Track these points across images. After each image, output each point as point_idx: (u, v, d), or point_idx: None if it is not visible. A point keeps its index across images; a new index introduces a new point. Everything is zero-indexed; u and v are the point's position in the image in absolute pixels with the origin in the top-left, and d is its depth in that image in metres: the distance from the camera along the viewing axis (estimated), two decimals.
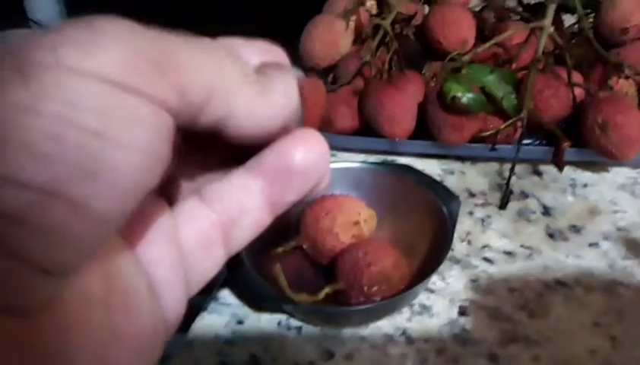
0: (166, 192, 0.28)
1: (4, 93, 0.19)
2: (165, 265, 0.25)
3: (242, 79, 0.24)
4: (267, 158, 0.27)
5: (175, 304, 0.25)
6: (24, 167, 0.19)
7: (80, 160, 0.19)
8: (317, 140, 0.27)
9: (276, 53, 0.28)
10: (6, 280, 0.19)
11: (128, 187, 0.20)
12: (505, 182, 0.73)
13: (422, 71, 0.84)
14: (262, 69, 0.26)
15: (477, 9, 0.91)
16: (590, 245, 0.68)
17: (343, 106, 0.80)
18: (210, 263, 0.27)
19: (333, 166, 0.66)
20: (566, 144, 0.71)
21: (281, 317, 0.60)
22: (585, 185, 0.76)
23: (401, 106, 0.77)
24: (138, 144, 0.20)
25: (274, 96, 0.25)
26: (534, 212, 0.72)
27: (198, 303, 0.61)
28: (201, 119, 0.23)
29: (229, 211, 0.27)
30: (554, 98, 0.75)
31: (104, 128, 0.19)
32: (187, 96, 0.22)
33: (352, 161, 0.72)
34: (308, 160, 0.26)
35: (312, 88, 0.73)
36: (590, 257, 0.66)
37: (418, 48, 0.86)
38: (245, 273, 0.58)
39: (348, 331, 0.59)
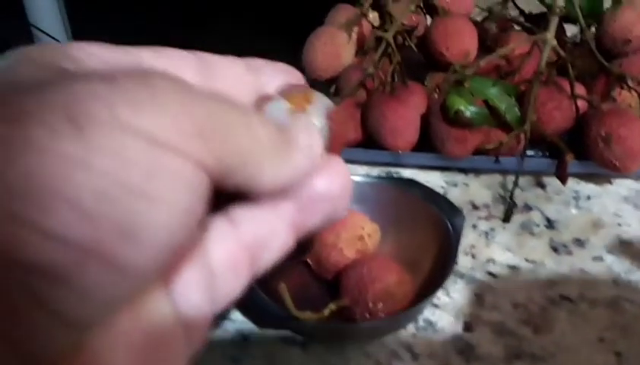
0: None
1: (57, 144, 0.19)
2: (195, 290, 0.25)
3: (272, 146, 0.25)
4: (296, 184, 0.27)
5: (201, 327, 0.26)
6: (67, 223, 0.19)
7: (122, 219, 0.19)
8: (341, 168, 0.28)
9: (295, 76, 0.30)
10: (34, 330, 0.19)
11: (164, 245, 0.21)
12: (509, 194, 0.73)
13: (425, 82, 0.84)
14: (290, 125, 0.27)
15: (479, 19, 0.91)
16: (594, 258, 0.68)
17: (346, 118, 0.80)
18: (236, 285, 0.28)
19: None
20: (569, 156, 0.71)
21: (286, 333, 0.60)
22: (589, 198, 0.76)
23: (404, 118, 0.77)
24: (178, 204, 0.21)
25: (298, 158, 0.26)
26: (538, 225, 0.72)
27: None
28: (229, 181, 0.23)
29: (257, 234, 0.27)
30: (557, 110, 0.75)
31: (148, 188, 0.20)
32: (223, 161, 0.22)
33: (355, 174, 0.72)
34: (332, 187, 0.27)
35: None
36: (594, 271, 0.66)
37: (420, 59, 0.86)
38: (250, 290, 0.58)
39: (353, 347, 0.59)
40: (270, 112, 0.28)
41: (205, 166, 0.21)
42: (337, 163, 0.28)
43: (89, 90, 0.20)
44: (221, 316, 0.62)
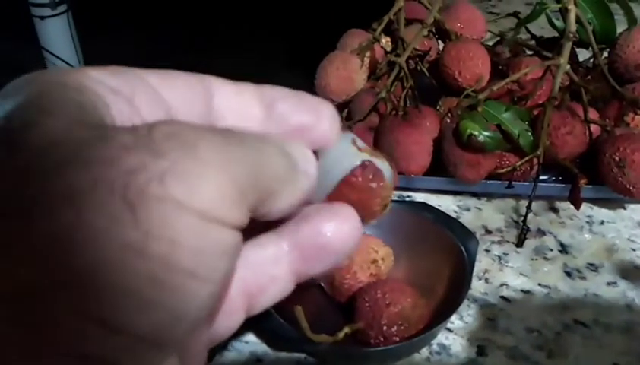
0: None
1: (117, 233, 0.19)
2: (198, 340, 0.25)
3: (286, 175, 0.25)
4: (301, 232, 0.27)
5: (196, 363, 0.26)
6: (127, 314, 0.19)
7: (175, 304, 0.20)
8: (350, 214, 0.27)
9: (321, 116, 0.28)
10: None
11: (204, 316, 0.21)
12: (522, 219, 0.73)
13: (437, 107, 0.84)
14: (291, 150, 0.26)
15: (491, 44, 0.91)
16: (608, 283, 0.67)
17: None
18: (229, 327, 0.27)
19: None
20: (583, 181, 0.71)
21: (300, 356, 0.60)
22: (602, 223, 0.76)
23: (417, 142, 0.77)
24: (222, 273, 0.21)
25: (302, 180, 0.26)
26: (551, 250, 0.72)
27: None
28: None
29: (257, 279, 0.27)
30: (570, 135, 0.75)
31: (197, 266, 0.20)
32: (255, 209, 0.23)
33: None
34: (340, 233, 0.27)
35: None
36: (608, 296, 0.66)
37: (432, 83, 0.86)
38: (265, 313, 0.58)
39: None
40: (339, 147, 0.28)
41: (244, 222, 0.22)
42: (347, 209, 0.27)
43: (138, 163, 0.19)
44: (234, 338, 0.62)
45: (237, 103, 0.27)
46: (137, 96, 0.24)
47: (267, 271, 0.27)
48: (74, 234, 0.19)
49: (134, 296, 0.19)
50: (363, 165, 0.28)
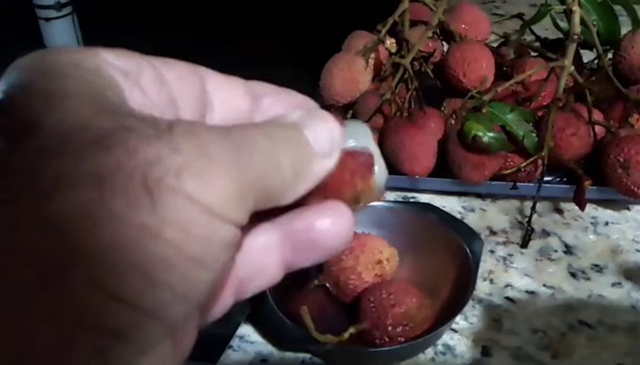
0: None
1: (134, 215, 0.20)
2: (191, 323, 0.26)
3: (294, 172, 0.25)
4: (294, 224, 0.27)
5: (186, 346, 0.26)
6: (138, 291, 0.20)
7: (181, 286, 0.21)
8: (344, 210, 0.28)
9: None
10: None
11: (203, 300, 0.23)
12: (527, 220, 0.73)
13: (442, 108, 0.84)
14: (315, 134, 0.27)
15: (496, 45, 0.92)
16: (613, 284, 0.68)
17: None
18: (218, 310, 0.28)
19: None
20: (587, 182, 0.71)
21: (304, 356, 0.60)
22: (607, 224, 0.76)
23: (421, 144, 0.77)
24: (223, 264, 0.23)
25: (316, 167, 0.26)
26: (556, 251, 0.72)
27: (223, 337, 0.62)
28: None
29: (247, 266, 0.27)
30: (575, 136, 0.75)
31: (204, 256, 0.21)
32: (253, 208, 0.24)
33: None
34: (334, 229, 0.27)
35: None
36: (613, 297, 0.66)
37: (437, 85, 0.86)
38: (270, 312, 0.59)
39: None
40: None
41: (244, 221, 0.23)
42: (341, 206, 0.28)
43: (157, 156, 0.21)
44: (240, 337, 0.62)
45: (227, 94, 0.28)
46: (144, 78, 0.25)
47: (258, 260, 0.27)
48: (93, 213, 0.20)
49: (148, 275, 0.20)
50: (363, 151, 0.29)
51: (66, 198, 0.20)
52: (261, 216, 0.27)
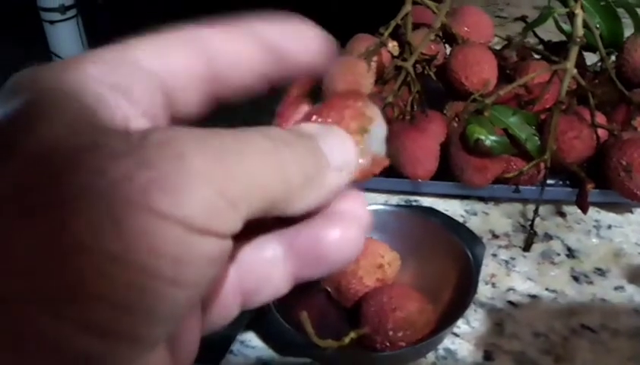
0: None
1: (99, 243, 0.19)
2: (188, 325, 0.26)
3: (303, 182, 0.24)
4: (301, 237, 0.27)
5: (188, 354, 0.26)
6: (103, 316, 0.19)
7: (155, 308, 0.20)
8: (352, 227, 0.27)
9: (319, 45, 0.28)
10: None
11: (183, 316, 0.22)
12: (529, 223, 0.73)
13: (444, 111, 0.84)
14: (327, 147, 0.26)
15: (498, 48, 0.91)
16: (616, 288, 0.67)
17: None
18: (223, 318, 0.27)
19: None
20: (590, 185, 0.71)
21: (305, 361, 0.60)
22: (610, 227, 0.75)
23: (424, 147, 0.77)
24: (204, 279, 0.21)
25: (330, 179, 0.26)
26: (559, 254, 0.72)
27: (224, 342, 0.61)
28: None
29: (253, 279, 0.27)
30: (577, 139, 0.75)
31: (180, 276, 0.20)
32: (254, 213, 0.22)
33: (375, 203, 0.72)
34: (339, 248, 0.26)
35: None
36: (615, 301, 0.66)
37: (439, 88, 0.86)
38: (271, 318, 0.59)
39: None
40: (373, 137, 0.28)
41: (234, 230, 0.22)
42: (350, 218, 0.27)
43: (125, 173, 0.20)
44: (241, 342, 0.62)
45: (232, 47, 0.27)
46: (136, 86, 0.24)
47: (264, 272, 0.27)
48: (56, 244, 0.19)
49: (116, 303, 0.19)
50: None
51: (31, 230, 0.19)
52: (271, 225, 0.27)
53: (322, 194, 0.26)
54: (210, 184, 0.21)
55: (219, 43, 0.26)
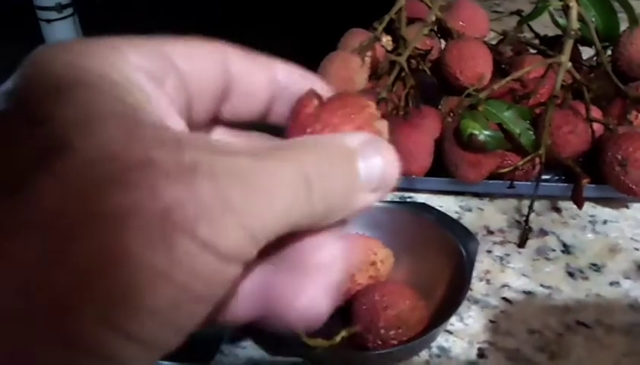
0: None
1: (150, 259, 0.21)
2: None
3: (329, 209, 0.26)
4: (277, 290, 0.27)
5: None
6: (147, 329, 0.21)
7: (185, 324, 0.23)
8: (324, 297, 0.27)
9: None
10: None
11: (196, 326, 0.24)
12: (524, 219, 0.72)
13: (439, 106, 0.83)
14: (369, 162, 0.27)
15: (494, 42, 0.91)
16: (611, 283, 0.67)
17: None
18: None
19: None
20: (585, 180, 0.70)
21: (297, 360, 0.59)
22: (605, 222, 0.75)
23: (418, 143, 0.76)
24: (217, 300, 0.23)
25: (359, 200, 0.27)
26: (554, 250, 0.71)
27: (214, 341, 0.61)
28: None
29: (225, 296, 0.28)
30: (572, 134, 0.74)
31: (208, 295, 0.23)
32: (268, 242, 0.24)
33: None
34: (303, 318, 0.27)
35: None
36: (611, 296, 0.65)
37: (434, 82, 0.86)
38: None
39: None
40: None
41: (251, 259, 0.23)
42: (328, 280, 0.27)
43: (177, 200, 0.21)
44: (231, 342, 0.61)
45: (247, 68, 0.29)
46: (168, 81, 0.26)
47: (244, 299, 0.28)
48: (111, 254, 0.21)
49: (155, 314, 0.21)
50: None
51: (87, 240, 0.21)
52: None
53: (346, 215, 0.27)
54: (243, 221, 0.22)
55: (239, 66, 0.29)
